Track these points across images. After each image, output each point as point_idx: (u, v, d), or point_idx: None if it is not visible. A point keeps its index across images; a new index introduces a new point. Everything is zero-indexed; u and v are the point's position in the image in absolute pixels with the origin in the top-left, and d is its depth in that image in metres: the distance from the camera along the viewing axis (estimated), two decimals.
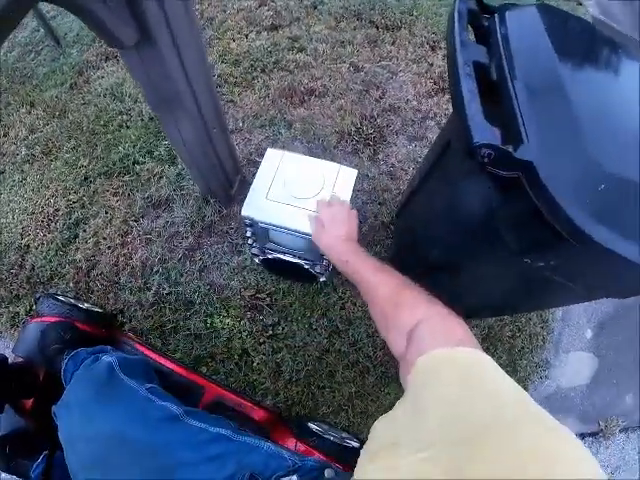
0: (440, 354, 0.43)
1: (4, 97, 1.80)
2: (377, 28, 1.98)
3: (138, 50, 0.83)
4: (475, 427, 0.32)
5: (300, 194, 1.03)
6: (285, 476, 0.67)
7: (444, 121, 1.71)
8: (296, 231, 1.01)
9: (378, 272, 0.70)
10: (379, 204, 1.56)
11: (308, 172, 1.06)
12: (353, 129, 1.67)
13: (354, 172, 1.10)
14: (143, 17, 0.75)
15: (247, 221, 1.08)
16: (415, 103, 1.77)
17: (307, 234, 0.99)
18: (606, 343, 1.63)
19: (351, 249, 0.80)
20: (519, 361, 1.48)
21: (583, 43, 0.81)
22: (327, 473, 0.70)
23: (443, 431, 0.33)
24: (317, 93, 1.75)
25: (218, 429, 0.74)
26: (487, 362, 0.41)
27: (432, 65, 1.87)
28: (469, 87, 0.68)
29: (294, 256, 1.19)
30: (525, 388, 1.50)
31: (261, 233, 1.12)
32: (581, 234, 0.55)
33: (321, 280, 1.04)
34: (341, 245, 0.82)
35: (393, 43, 1.94)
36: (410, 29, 1.98)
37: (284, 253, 1.19)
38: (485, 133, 0.63)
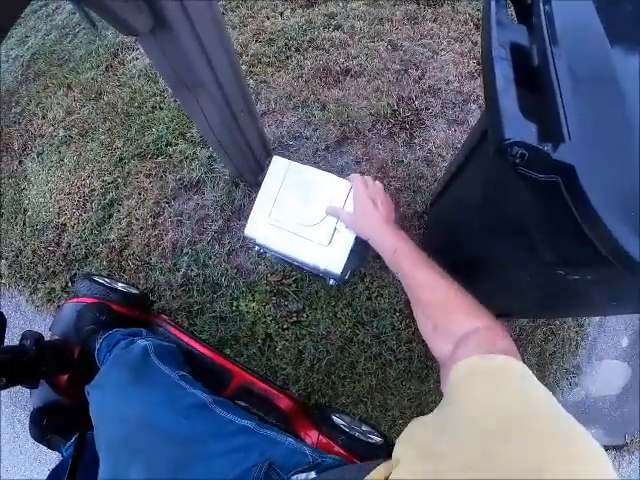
0: (474, 361, 0.44)
1: (42, 80, 1.85)
2: (418, 4, 1.86)
3: (155, 36, 0.81)
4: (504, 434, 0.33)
5: (304, 219, 0.92)
6: (304, 472, 0.67)
7: None
8: (297, 261, 0.93)
9: (429, 270, 0.65)
10: (413, 192, 1.49)
11: (315, 192, 0.92)
12: (389, 111, 1.59)
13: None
14: (157, 2, 0.72)
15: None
16: (456, 84, 1.66)
17: (313, 267, 0.90)
18: None
19: (399, 236, 0.73)
20: (549, 365, 1.41)
21: None
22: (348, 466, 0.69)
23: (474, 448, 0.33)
24: (353, 73, 1.68)
25: (244, 421, 0.75)
26: (519, 369, 0.42)
27: (476, 44, 1.74)
28: (504, 72, 0.60)
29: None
30: (553, 393, 1.43)
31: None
32: (624, 255, 0.47)
33: (331, 284, 0.98)
34: (388, 231, 0.75)
35: (435, 20, 1.82)
36: (453, 5, 1.84)
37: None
38: (519, 129, 0.54)
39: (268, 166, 0.93)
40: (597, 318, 1.55)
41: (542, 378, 1.42)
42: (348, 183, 0.87)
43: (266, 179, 0.95)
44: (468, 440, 0.34)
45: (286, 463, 0.68)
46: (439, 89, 1.65)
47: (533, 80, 0.67)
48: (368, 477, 0.45)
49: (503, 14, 0.64)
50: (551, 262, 0.70)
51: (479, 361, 0.44)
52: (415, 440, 0.42)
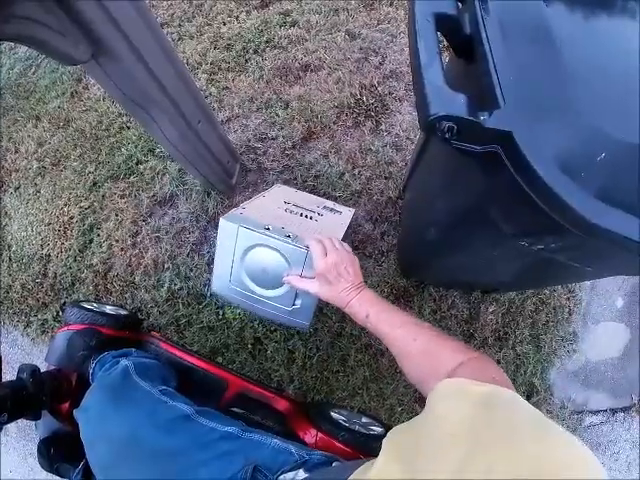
0: (462, 382, 0.44)
1: (11, 114, 1.86)
2: None
3: (98, 62, 0.81)
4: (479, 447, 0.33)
5: (264, 286, 0.89)
6: (291, 470, 0.67)
7: None
8: (265, 318, 0.94)
9: (406, 325, 0.66)
10: (385, 178, 1.49)
11: (270, 260, 0.86)
12: (353, 101, 1.58)
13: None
14: (92, 30, 0.72)
15: None
16: None
17: (281, 324, 0.91)
18: (638, 312, 1.50)
19: (370, 300, 0.74)
20: (543, 336, 1.39)
21: None
22: (333, 466, 0.69)
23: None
24: (312, 67, 1.67)
25: (227, 427, 0.75)
26: (508, 397, 0.41)
27: None
28: (427, 45, 0.59)
29: None
30: (551, 364, 1.42)
31: None
32: (578, 218, 0.46)
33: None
34: (356, 299, 0.75)
35: (391, 4, 1.80)
36: None
37: None
38: (445, 102, 0.52)
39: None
40: (588, 282, 1.53)
41: (538, 349, 1.41)
42: (303, 250, 0.83)
43: (218, 242, 0.91)
44: (445, 448, 0.35)
45: (272, 464, 0.68)
46: (401, 72, 1.64)
47: (465, 50, 0.65)
48: (352, 477, 0.46)
49: None
50: (512, 234, 0.69)
51: (467, 384, 0.43)
52: (390, 446, 0.43)
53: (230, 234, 0.87)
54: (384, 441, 0.44)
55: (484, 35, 0.59)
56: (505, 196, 0.62)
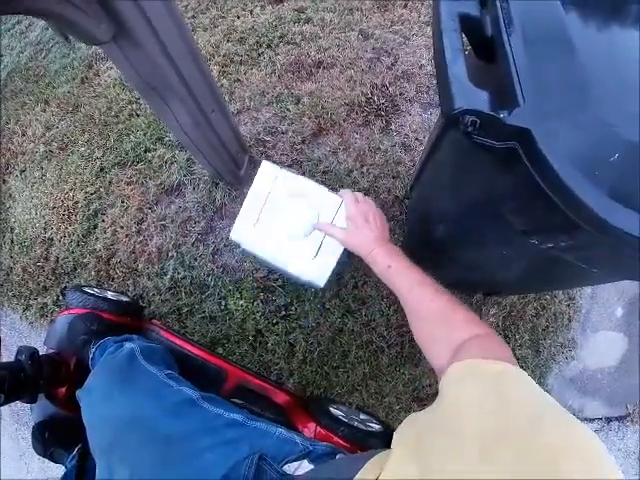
0: (474, 362, 0.45)
1: (20, 98, 1.86)
2: None
3: (118, 44, 0.81)
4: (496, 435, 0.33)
5: (291, 230, 0.89)
6: (296, 460, 0.67)
7: None
8: (280, 270, 0.93)
9: (426, 285, 0.68)
10: (392, 177, 1.49)
11: (303, 204, 0.89)
12: (364, 100, 1.59)
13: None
14: (116, 11, 0.72)
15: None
16: (430, 68, 1.66)
17: (296, 277, 0.91)
18: (637, 322, 1.51)
19: (393, 252, 0.76)
20: (542, 341, 1.41)
21: None
22: (338, 458, 0.69)
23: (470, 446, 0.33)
24: (325, 65, 1.68)
25: (232, 415, 0.74)
26: (519, 375, 0.42)
27: None
28: (453, 43, 0.60)
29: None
30: (549, 369, 1.43)
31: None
32: (592, 215, 0.47)
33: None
34: (382, 249, 0.77)
35: (405, 6, 1.82)
36: None
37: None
38: (469, 97, 0.54)
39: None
40: (589, 290, 1.54)
41: (537, 354, 1.42)
42: (338, 198, 0.86)
43: (254, 184, 0.92)
44: (460, 444, 0.34)
45: (277, 453, 0.68)
46: (412, 74, 1.65)
47: (486, 51, 0.67)
48: (358, 476, 0.45)
49: None
50: (523, 232, 0.70)
51: (479, 363, 0.44)
52: (405, 439, 0.42)
53: (269, 176, 0.90)
54: (396, 434, 0.44)
55: (505, 37, 0.60)
56: (520, 192, 0.64)
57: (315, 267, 0.89)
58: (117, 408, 0.75)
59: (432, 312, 0.64)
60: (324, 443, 0.73)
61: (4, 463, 1.61)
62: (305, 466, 0.66)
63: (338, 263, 0.89)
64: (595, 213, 0.47)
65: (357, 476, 0.45)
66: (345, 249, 0.86)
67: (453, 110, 0.55)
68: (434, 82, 1.64)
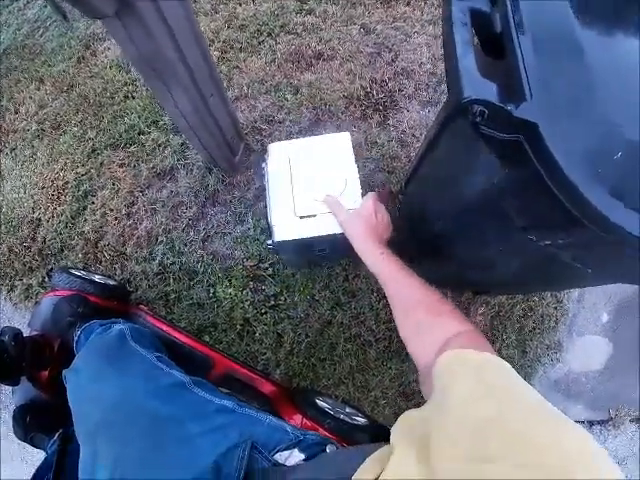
0: (467, 352, 0.46)
1: (14, 75, 1.82)
2: None
3: (120, 19, 0.80)
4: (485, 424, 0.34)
5: (327, 190, 0.90)
6: (287, 449, 0.66)
7: None
8: (332, 235, 0.91)
9: (413, 277, 0.70)
10: (388, 172, 1.49)
11: (321, 157, 0.92)
12: (362, 93, 1.59)
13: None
14: None
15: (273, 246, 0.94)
16: (430, 66, 1.66)
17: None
18: (623, 328, 1.53)
19: (385, 249, 0.79)
20: (529, 342, 1.41)
21: None
22: (329, 449, 0.68)
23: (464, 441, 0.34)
24: (325, 56, 1.67)
25: (222, 401, 0.74)
26: (502, 364, 0.43)
27: None
28: (463, 36, 0.61)
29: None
30: (534, 370, 1.44)
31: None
32: (595, 212, 0.47)
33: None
34: (376, 243, 0.80)
35: (408, 4, 1.81)
36: None
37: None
38: (478, 87, 0.54)
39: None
40: (576, 294, 1.55)
41: (523, 354, 1.42)
42: (346, 134, 0.97)
43: (270, 172, 0.91)
44: (455, 438, 0.35)
45: (268, 441, 0.67)
46: (412, 71, 1.65)
47: (495, 47, 0.67)
48: (358, 476, 0.45)
49: None
50: (522, 227, 0.70)
51: (470, 353, 0.45)
52: (404, 437, 0.43)
53: (282, 153, 0.92)
54: (394, 432, 0.44)
55: (514, 34, 0.61)
56: (523, 186, 0.64)
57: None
58: (106, 389, 0.73)
59: (418, 302, 0.65)
60: (313, 432, 0.73)
61: None
62: (296, 455, 0.66)
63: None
64: (597, 210, 0.47)
65: (357, 475, 0.45)
66: None
67: (462, 99, 0.56)
68: (433, 80, 1.64)
